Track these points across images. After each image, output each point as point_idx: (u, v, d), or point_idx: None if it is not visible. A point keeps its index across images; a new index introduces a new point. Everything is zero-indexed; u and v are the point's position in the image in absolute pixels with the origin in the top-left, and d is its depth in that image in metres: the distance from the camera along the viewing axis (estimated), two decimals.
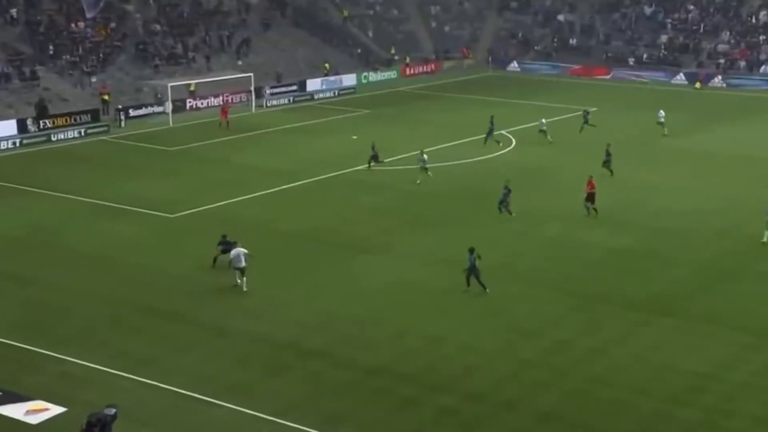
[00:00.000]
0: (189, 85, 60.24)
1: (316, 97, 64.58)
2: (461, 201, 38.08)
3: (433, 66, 77.82)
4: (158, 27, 67.04)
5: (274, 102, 61.58)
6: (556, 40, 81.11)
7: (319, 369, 23.29)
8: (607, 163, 40.90)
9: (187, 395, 21.84)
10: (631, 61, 75.58)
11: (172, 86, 55.58)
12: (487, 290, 27.70)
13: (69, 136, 49.91)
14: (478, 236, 32.80)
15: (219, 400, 21.60)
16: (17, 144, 47.55)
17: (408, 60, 76.60)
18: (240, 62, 68.20)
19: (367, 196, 38.60)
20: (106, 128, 51.62)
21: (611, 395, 22.18)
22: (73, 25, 62.37)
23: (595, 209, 35.29)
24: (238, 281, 28.04)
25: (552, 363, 23.65)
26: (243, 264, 27.77)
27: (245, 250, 28.06)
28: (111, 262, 30.43)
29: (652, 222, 35.23)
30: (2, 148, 47.00)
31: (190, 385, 22.23)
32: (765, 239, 32.31)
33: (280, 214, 36.10)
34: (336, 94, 65.96)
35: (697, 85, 69.93)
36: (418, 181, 40.02)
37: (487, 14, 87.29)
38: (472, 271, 27.59)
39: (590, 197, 35.28)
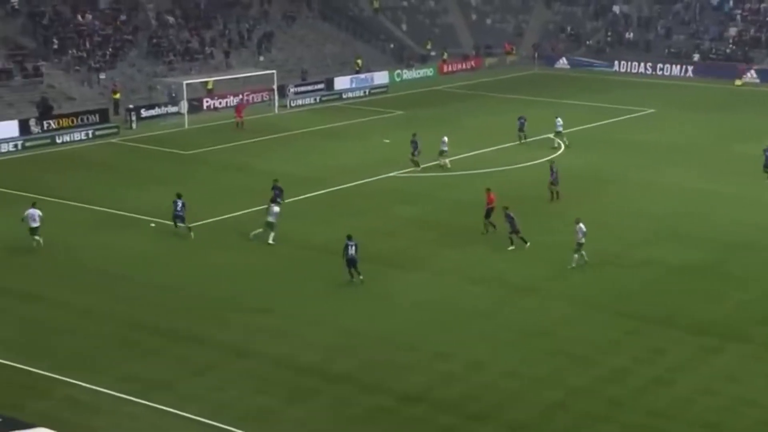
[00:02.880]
0: (206, 82, 60.84)
1: (344, 96, 64.90)
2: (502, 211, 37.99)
3: (473, 63, 77.93)
4: (172, 19, 67.78)
5: (299, 102, 61.98)
6: (610, 34, 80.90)
7: (347, 395, 23.41)
8: None
9: (204, 423, 22.04)
10: (696, 57, 75.14)
11: (187, 84, 56.14)
12: (361, 278, 29.58)
13: (75, 139, 50.59)
14: (522, 250, 32.77)
15: (239, 429, 21.77)
16: (19, 147, 48.28)
17: (445, 56, 76.75)
18: (262, 58, 68.73)
19: (401, 206, 38.73)
20: (115, 130, 52.25)
21: (677, 430, 22.02)
22: (79, 16, 63.23)
23: (492, 224, 34.40)
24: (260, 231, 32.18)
25: (607, 393, 23.55)
26: (273, 219, 32.47)
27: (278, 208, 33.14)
28: (120, 277, 30.77)
29: (721, 236, 35.01)
30: (3, 150, 47.72)
31: (207, 412, 22.43)
32: None
33: (306, 225, 36.30)
34: (366, 93, 66.25)
35: (738, 82, 69.48)
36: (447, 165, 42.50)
37: (534, 5, 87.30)
38: (351, 261, 29.44)
39: (488, 213, 34.62)
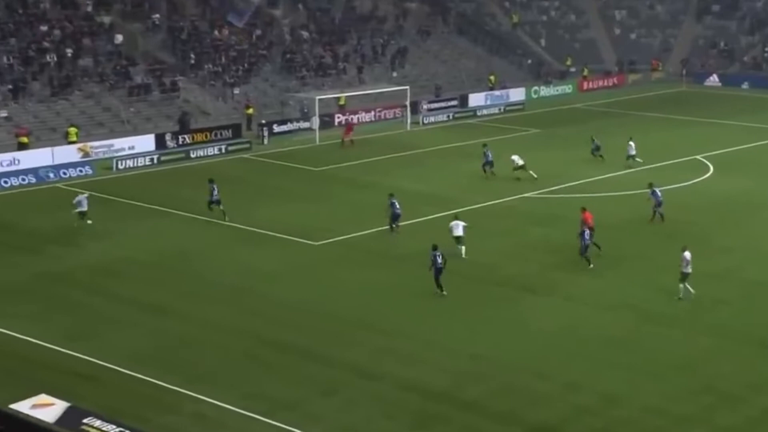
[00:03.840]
0: (338, 98, 61.80)
1: (479, 113, 64.88)
2: (645, 236, 37.30)
3: (615, 80, 76.75)
4: (307, 34, 69.22)
5: (432, 119, 62.26)
6: (767, 49, 78.22)
7: (475, 424, 23.26)
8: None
9: None
10: None
11: (319, 99, 57.12)
12: (444, 292, 30.29)
13: (209, 153, 52.12)
14: (664, 278, 32.00)
15: None
16: (155, 161, 50.05)
17: (586, 72, 75.86)
18: (395, 74, 69.42)
19: (534, 228, 38.41)
20: (248, 145, 53.60)
21: None
22: (216, 31, 65.28)
23: (596, 245, 34.07)
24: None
25: None
26: (460, 233, 34.60)
27: (464, 222, 34.90)
28: (248, 293, 31.49)
29: None
30: (139, 164, 49.58)
31: None
32: None
33: (437, 244, 36.32)
34: (502, 110, 66.03)
35: None
36: (535, 176, 43.64)
37: (683, 19, 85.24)
38: (439, 271, 30.36)
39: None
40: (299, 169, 49.25)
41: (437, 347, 27.38)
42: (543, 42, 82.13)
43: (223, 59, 63.37)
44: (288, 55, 66.07)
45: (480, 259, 34.81)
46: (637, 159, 48.24)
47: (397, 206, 37.61)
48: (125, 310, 30.16)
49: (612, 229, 37.70)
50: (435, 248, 31.23)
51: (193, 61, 62.33)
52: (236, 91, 61.74)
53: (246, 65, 63.96)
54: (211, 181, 39.94)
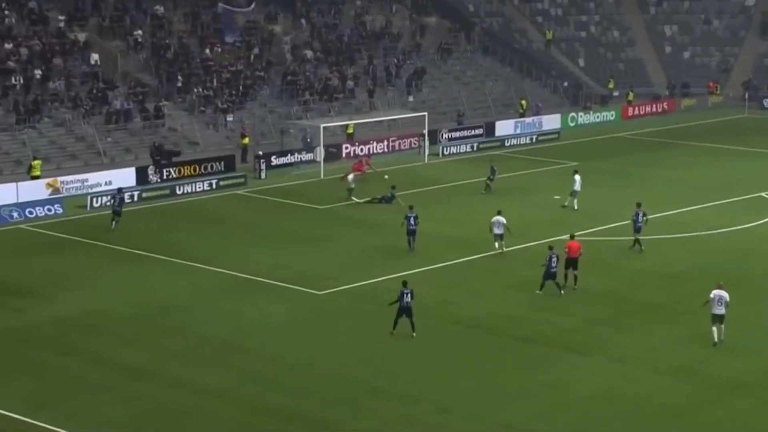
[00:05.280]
0: (346, 126, 61.91)
1: (507, 143, 64.91)
2: (701, 286, 36.92)
3: (665, 105, 76.79)
4: (311, 53, 69.54)
5: (453, 149, 62.29)
6: None
7: None
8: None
9: None
10: None
11: (324, 128, 57.23)
12: (414, 334, 31.33)
13: (197, 189, 52.09)
14: (729, 337, 31.59)
15: None
16: (135, 198, 50.02)
17: (631, 97, 75.94)
18: (411, 98, 69.64)
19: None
20: (242, 180, 53.63)
21: None
22: (207, 50, 65.62)
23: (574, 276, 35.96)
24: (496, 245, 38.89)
25: None
26: (500, 231, 39.58)
27: (503, 219, 38.90)
28: (244, 351, 31.25)
29: None
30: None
31: None
32: None
33: (456, 295, 36.24)
34: (534, 140, 66.03)
35: None
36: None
37: (745, 36, 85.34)
38: (406, 311, 31.46)
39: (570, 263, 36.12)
40: (301, 207, 49.18)
41: (462, 417, 27.04)
42: (581, 62, 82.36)
43: (215, 82, 63.68)
44: (289, 77, 66.37)
45: (509, 311, 34.56)
46: (575, 201, 47.67)
47: (413, 222, 40.72)
48: (99, 372, 29.89)
49: (666, 277, 37.46)
50: (405, 284, 32.06)
51: (180, 84, 62.63)
52: (229, 118, 61.95)
53: (241, 88, 64.25)
54: (119, 191, 41.25)
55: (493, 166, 51.76)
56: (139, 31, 65.02)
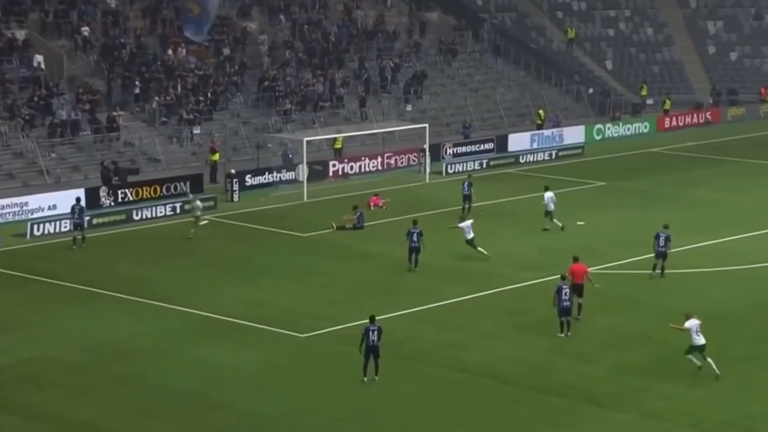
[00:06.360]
0: (333, 140, 62.03)
1: (521, 160, 65.08)
2: (752, 329, 37.07)
3: (708, 114, 77.12)
4: (291, 54, 69.73)
5: (459, 167, 62.35)
6: None
7: None
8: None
9: None
10: None
11: (308, 142, 57.26)
12: (376, 377, 31.91)
13: (159, 214, 52.13)
14: None
15: None
16: (85, 224, 49.87)
17: (668, 105, 76.26)
18: (410, 107, 69.90)
19: (598, 316, 38.18)
20: (212, 203, 53.59)
21: None
22: (170, 51, 65.81)
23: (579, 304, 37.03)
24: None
25: None
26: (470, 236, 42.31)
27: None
28: (214, 406, 31.17)
29: None
30: (64, 230, 49.38)
31: None
32: None
33: (462, 338, 36.28)
34: (553, 156, 66.27)
35: None
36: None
37: None
38: (372, 350, 31.93)
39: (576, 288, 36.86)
40: (280, 235, 49.24)
41: None
42: (609, 64, 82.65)
43: (179, 88, 63.81)
44: (266, 83, 66.55)
45: (525, 356, 34.61)
46: (555, 221, 48.55)
47: (415, 239, 42.32)
48: (42, 430, 29.74)
49: (710, 317, 37.29)
50: (372, 320, 32.42)
51: (137, 91, 62.73)
52: (196, 130, 62.09)
53: (210, 96, 64.36)
54: (77, 201, 43.85)
55: (468, 180, 52.45)
56: (86, 28, 65.08)
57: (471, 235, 44.13)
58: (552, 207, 48.48)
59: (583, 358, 34.63)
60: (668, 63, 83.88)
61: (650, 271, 41.97)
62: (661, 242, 41.50)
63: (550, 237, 47.92)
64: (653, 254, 41.88)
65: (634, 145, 69.84)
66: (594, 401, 31.51)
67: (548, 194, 48.66)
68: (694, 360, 32.73)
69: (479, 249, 44.38)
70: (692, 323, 32.64)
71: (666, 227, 41.94)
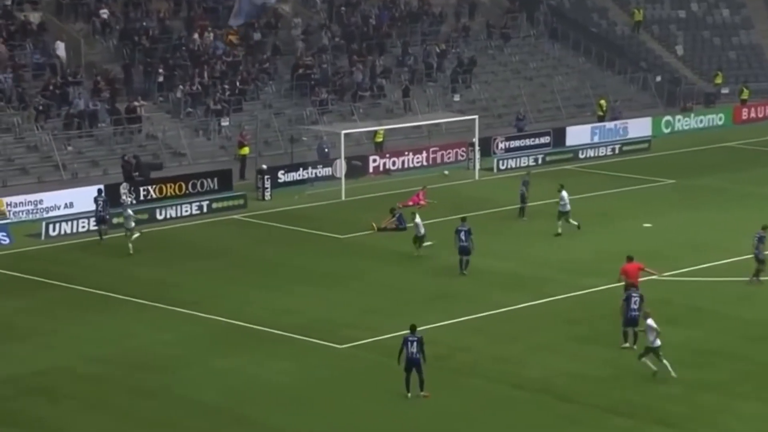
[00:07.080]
0: (374, 133, 61.97)
1: (581, 155, 65.03)
2: None
3: None
4: (328, 40, 69.73)
5: (511, 163, 62.36)
6: None
7: None
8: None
9: None
10: None
11: (346, 135, 57.34)
12: (422, 393, 31.86)
13: (184, 213, 52.30)
14: None
15: None
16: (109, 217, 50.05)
17: (746, 95, 75.89)
18: (457, 97, 69.75)
19: (669, 329, 37.43)
20: (241, 201, 53.78)
21: None
22: (196, 36, 65.93)
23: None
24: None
25: None
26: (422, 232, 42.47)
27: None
28: (241, 421, 31.25)
29: None
30: (81, 230, 49.69)
31: None
32: None
33: (517, 350, 36.20)
34: (617, 150, 66.15)
35: None
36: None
37: None
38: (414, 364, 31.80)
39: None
40: (315, 237, 49.30)
41: None
42: (680, 50, 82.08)
43: (206, 76, 63.92)
44: (300, 70, 66.58)
45: (586, 371, 34.46)
46: (571, 221, 48.52)
47: (463, 237, 43.16)
48: None
49: None
50: (413, 330, 32.28)
51: (161, 79, 62.89)
52: (224, 122, 62.19)
53: (239, 84, 64.43)
54: (99, 193, 46.18)
55: (526, 178, 52.46)
56: (105, 11, 65.32)
57: (423, 231, 45.69)
58: (569, 207, 48.42)
59: (636, 378, 34.16)
60: (746, 48, 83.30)
61: (750, 278, 41.78)
62: (757, 243, 41.37)
63: (611, 241, 47.63)
64: (752, 256, 41.77)
65: (708, 138, 69.55)
66: (664, 422, 31.26)
67: (564, 194, 48.54)
68: (649, 364, 33.36)
69: (425, 244, 45.92)
70: (652, 323, 33.20)
71: (765, 228, 41.72)
